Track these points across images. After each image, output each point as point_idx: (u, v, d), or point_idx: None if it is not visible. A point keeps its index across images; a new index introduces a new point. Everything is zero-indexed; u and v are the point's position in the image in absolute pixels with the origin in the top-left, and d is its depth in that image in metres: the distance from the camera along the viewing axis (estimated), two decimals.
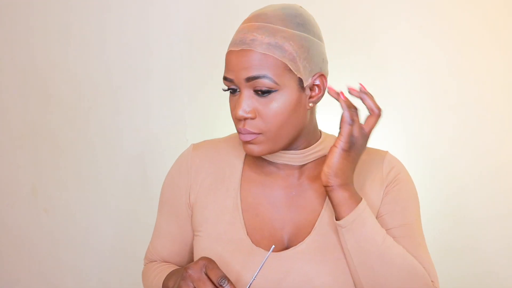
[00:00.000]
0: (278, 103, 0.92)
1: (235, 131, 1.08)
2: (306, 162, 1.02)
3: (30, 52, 1.87)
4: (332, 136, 1.07)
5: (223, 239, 0.99)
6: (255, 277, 0.89)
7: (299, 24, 0.93)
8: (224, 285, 0.86)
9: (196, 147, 1.08)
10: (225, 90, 0.97)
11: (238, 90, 0.93)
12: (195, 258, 1.03)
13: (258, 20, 0.93)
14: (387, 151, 1.06)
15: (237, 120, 0.94)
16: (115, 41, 1.85)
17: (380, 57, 1.75)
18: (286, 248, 0.99)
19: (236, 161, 1.05)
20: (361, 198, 0.93)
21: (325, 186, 0.93)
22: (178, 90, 1.85)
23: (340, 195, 0.91)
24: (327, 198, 1.00)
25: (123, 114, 1.88)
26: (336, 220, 0.93)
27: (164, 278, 1.00)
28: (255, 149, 0.94)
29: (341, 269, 0.96)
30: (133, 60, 1.85)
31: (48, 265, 1.96)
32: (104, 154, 1.90)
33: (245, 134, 0.93)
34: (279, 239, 0.99)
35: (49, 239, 1.95)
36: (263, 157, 1.02)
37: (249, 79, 0.91)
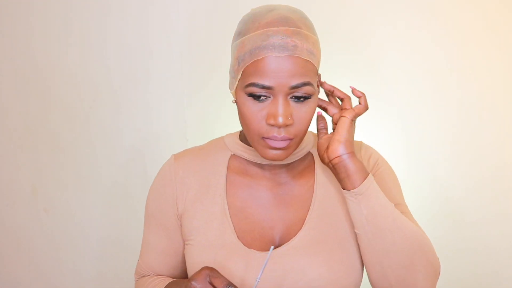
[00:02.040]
0: (310, 108, 0.92)
1: (233, 132, 1.07)
2: (293, 160, 1.03)
3: (30, 52, 1.87)
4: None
5: (215, 245, 0.99)
6: (258, 280, 0.89)
7: (312, 27, 0.94)
8: None
9: (177, 157, 1.08)
10: (251, 96, 0.91)
11: (267, 96, 0.90)
12: (188, 267, 1.03)
13: (289, 24, 0.90)
14: (361, 141, 1.09)
15: (272, 127, 0.90)
16: (115, 41, 1.85)
17: (380, 57, 1.75)
18: (279, 243, 1.00)
19: (219, 167, 1.04)
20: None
21: (338, 157, 0.93)
22: (178, 90, 1.85)
23: (354, 162, 0.93)
24: (315, 192, 1.01)
25: (123, 114, 1.88)
26: (349, 189, 0.93)
27: None
28: (283, 155, 0.94)
29: (335, 258, 0.97)
30: (133, 60, 1.85)
31: (48, 265, 1.96)
32: (104, 154, 1.90)
33: (281, 141, 0.91)
34: (270, 239, 1.00)
35: (49, 239, 1.95)
36: (248, 159, 1.02)
37: (295, 87, 0.89)
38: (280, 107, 0.89)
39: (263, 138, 0.92)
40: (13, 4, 1.86)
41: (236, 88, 0.93)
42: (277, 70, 0.87)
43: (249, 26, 0.91)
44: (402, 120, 1.77)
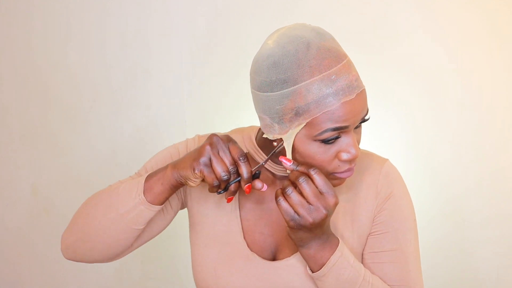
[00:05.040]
0: (361, 128, 0.91)
1: (254, 126, 1.05)
2: None
3: (30, 52, 1.87)
4: None
5: (221, 241, 0.99)
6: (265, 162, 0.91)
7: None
8: (242, 162, 0.87)
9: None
10: (326, 142, 0.86)
11: (338, 136, 0.87)
12: (192, 256, 1.02)
13: (340, 57, 0.85)
14: (387, 160, 1.02)
15: (345, 161, 0.88)
16: (115, 41, 1.85)
17: (380, 58, 1.75)
18: (274, 254, 0.99)
19: None
20: (335, 248, 0.90)
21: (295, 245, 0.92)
22: (178, 89, 1.85)
23: (305, 253, 0.90)
24: None
25: (123, 114, 1.88)
26: (309, 271, 0.92)
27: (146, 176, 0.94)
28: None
29: None
30: (133, 60, 1.85)
31: (48, 265, 1.96)
32: (104, 154, 1.90)
33: (351, 171, 0.90)
34: (273, 247, 0.99)
35: (49, 239, 1.95)
36: (270, 169, 0.99)
37: (363, 117, 0.87)
38: (353, 142, 0.87)
39: (334, 173, 0.90)
40: (13, 4, 1.86)
41: (293, 135, 0.88)
42: (352, 110, 0.85)
43: (298, 72, 0.84)
44: (401, 122, 1.77)
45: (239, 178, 0.88)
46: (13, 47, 1.88)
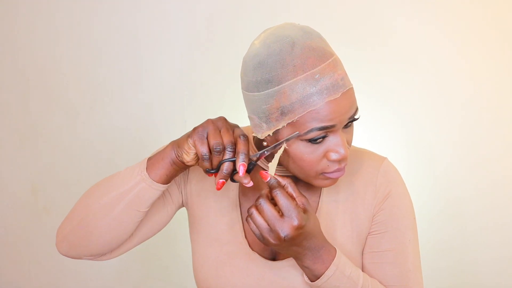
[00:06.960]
0: (353, 127, 0.90)
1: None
2: None
3: (30, 52, 1.87)
4: None
5: (221, 240, 0.99)
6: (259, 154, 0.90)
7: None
8: (241, 140, 0.87)
9: None
10: (313, 141, 0.85)
11: (325, 136, 0.86)
12: (193, 255, 1.03)
13: (326, 56, 0.85)
14: (385, 158, 1.02)
15: (334, 161, 0.87)
16: (115, 41, 1.85)
17: (381, 58, 1.75)
18: (274, 253, 0.99)
19: None
20: (330, 261, 0.89)
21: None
22: (178, 89, 1.85)
23: (299, 264, 0.90)
24: (319, 209, 0.99)
25: (123, 114, 1.88)
26: (306, 280, 0.91)
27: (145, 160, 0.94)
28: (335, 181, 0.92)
29: None
30: (133, 60, 1.85)
31: (48, 265, 1.96)
32: (104, 154, 1.90)
33: (342, 171, 0.89)
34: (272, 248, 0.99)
35: (49, 239, 1.95)
36: (261, 165, 0.99)
37: (351, 116, 0.86)
38: (341, 141, 0.86)
39: (324, 173, 0.89)
40: (14, 5, 1.86)
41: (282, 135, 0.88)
42: (338, 109, 0.84)
43: (282, 71, 0.83)
44: (403, 124, 1.77)
45: (234, 159, 0.87)
46: (14, 47, 1.88)
